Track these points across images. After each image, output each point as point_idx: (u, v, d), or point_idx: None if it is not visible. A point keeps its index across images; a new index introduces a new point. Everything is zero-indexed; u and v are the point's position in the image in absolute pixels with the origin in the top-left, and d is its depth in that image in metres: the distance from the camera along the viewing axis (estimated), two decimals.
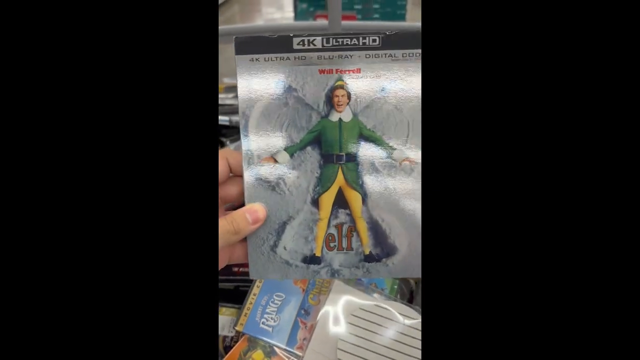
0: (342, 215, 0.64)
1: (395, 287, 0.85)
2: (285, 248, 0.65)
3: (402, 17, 3.64)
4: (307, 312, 0.83)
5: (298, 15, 3.75)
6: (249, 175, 0.63)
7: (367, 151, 0.62)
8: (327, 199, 0.64)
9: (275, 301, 0.83)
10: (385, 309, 0.79)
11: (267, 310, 0.82)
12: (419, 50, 0.60)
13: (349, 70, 0.62)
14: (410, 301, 0.87)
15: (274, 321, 0.82)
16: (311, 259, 0.65)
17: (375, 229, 0.64)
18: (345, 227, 0.64)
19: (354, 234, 0.63)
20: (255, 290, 0.83)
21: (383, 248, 0.64)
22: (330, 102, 0.62)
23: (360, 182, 0.63)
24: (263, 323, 0.81)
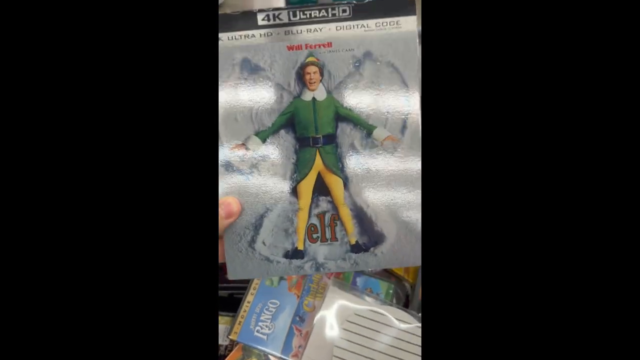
0: (324, 203, 0.60)
1: (391, 291, 0.84)
2: (264, 243, 0.61)
3: None
4: (302, 319, 0.81)
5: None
6: (218, 166, 0.58)
7: (345, 131, 0.59)
8: (306, 186, 0.60)
9: (270, 308, 0.81)
10: (381, 314, 0.77)
11: (262, 317, 0.80)
12: (395, 19, 0.54)
13: (319, 45, 0.58)
14: (406, 305, 0.84)
15: (269, 329, 0.80)
16: (293, 254, 0.61)
17: (360, 216, 0.60)
18: (327, 216, 0.60)
19: (338, 222, 0.60)
20: (249, 297, 0.84)
21: (370, 236, 0.59)
22: (302, 80, 0.58)
23: (341, 166, 0.59)
24: (257, 331, 0.79)
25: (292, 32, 0.61)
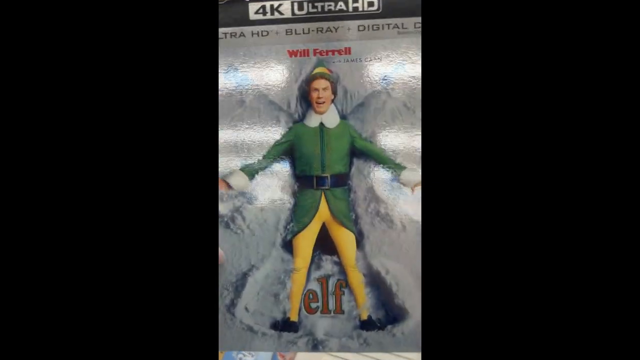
0: (328, 265, 0.50)
1: None
2: (247, 309, 0.50)
3: None
4: None
5: None
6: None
7: (362, 171, 0.49)
8: (306, 240, 0.50)
9: None
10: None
11: None
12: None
13: (333, 51, 0.46)
14: None
15: (252, 356, 0.69)
16: (284, 325, 0.50)
17: (377, 284, 0.49)
18: (332, 281, 0.50)
19: (346, 290, 0.50)
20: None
21: (388, 311, 0.50)
22: (307, 98, 0.48)
23: (354, 217, 0.49)
24: (240, 359, 0.67)
25: (295, 31, 0.47)
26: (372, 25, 0.46)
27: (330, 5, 0.45)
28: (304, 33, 0.46)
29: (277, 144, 0.48)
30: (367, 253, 0.49)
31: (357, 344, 0.50)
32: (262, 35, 0.47)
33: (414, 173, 0.47)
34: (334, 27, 0.46)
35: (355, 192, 0.49)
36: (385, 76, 0.47)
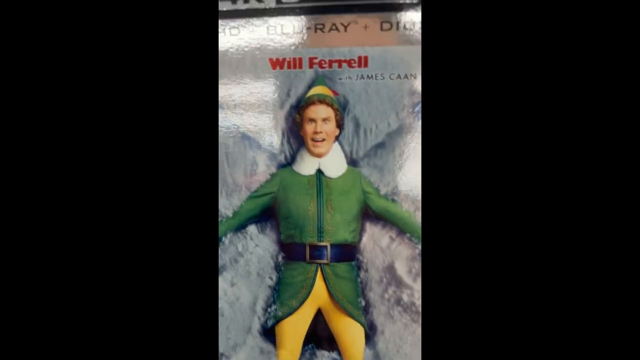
0: None
1: None
2: None
3: None
4: None
5: None
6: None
7: (379, 241, 0.37)
8: (293, 328, 0.38)
9: None
10: None
11: None
12: None
13: (340, 62, 0.33)
14: None
15: None
16: None
17: None
18: None
19: None
20: None
21: None
22: (299, 133, 0.36)
23: (363, 303, 0.37)
24: None
25: (283, 29, 0.32)
26: (405, 23, 0.29)
27: None
28: (294, 32, 0.31)
29: (254, 196, 0.37)
30: (381, 354, 0.38)
31: None
32: (231, 35, 0.31)
33: None
34: (342, 24, 0.29)
35: (367, 271, 0.37)
36: (417, 105, 0.31)
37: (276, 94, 0.32)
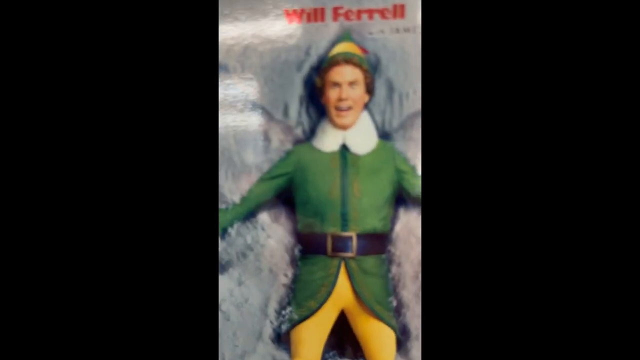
0: None
1: None
2: None
3: None
4: None
5: None
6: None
7: (415, 230, 0.31)
8: (312, 333, 0.35)
9: None
10: None
11: None
12: None
13: (371, 11, 0.27)
14: None
15: None
16: None
17: None
18: None
19: None
20: None
21: None
22: (320, 101, 0.30)
23: (395, 304, 0.33)
24: None
25: None
26: None
27: None
28: None
29: (266, 178, 0.33)
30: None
31: None
32: None
33: None
34: None
35: (401, 265, 0.33)
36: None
37: (293, 53, 0.28)
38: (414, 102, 0.29)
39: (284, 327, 0.35)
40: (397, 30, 0.28)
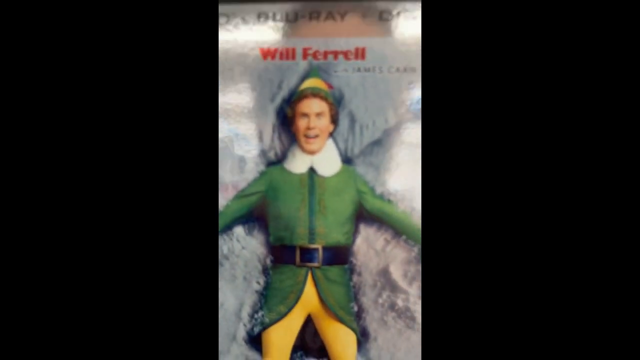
0: None
1: None
2: None
3: None
4: None
5: None
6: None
7: (373, 243, 0.35)
8: (281, 335, 0.38)
9: None
10: None
11: None
12: None
13: (336, 53, 0.31)
14: None
15: None
16: None
17: None
18: None
19: None
20: None
21: None
22: (290, 128, 0.34)
23: (355, 309, 0.36)
24: None
25: (274, 15, 0.32)
26: (406, 13, 0.27)
27: None
28: (287, 20, 0.29)
29: (241, 195, 0.35)
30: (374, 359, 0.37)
31: None
32: (220, 24, 0.29)
33: None
34: (339, 13, 0.28)
35: (361, 275, 0.36)
36: (417, 101, 0.30)
37: (267, 87, 0.31)
38: (374, 132, 0.32)
39: (256, 330, 0.37)
40: (359, 70, 0.31)
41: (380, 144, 0.32)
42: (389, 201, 0.33)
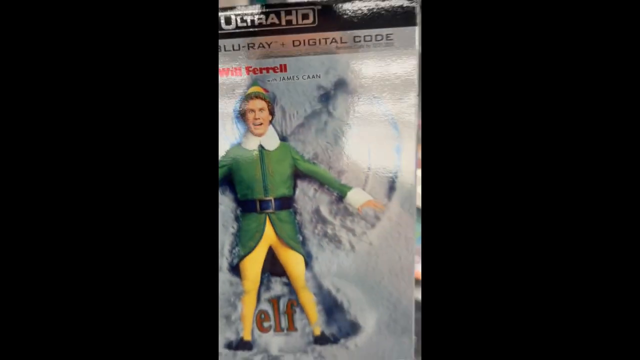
0: (278, 286, 0.49)
1: None
2: None
3: None
4: None
5: None
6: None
7: (307, 193, 0.47)
8: (253, 263, 0.48)
9: None
10: None
11: None
12: (384, 31, 0.40)
13: (268, 69, 0.43)
14: None
15: None
16: (238, 344, 0.50)
17: (328, 303, 0.48)
18: (283, 302, 0.49)
19: (297, 309, 0.49)
20: None
21: (341, 326, 0.49)
22: (244, 120, 0.45)
23: (301, 239, 0.47)
24: None
25: (224, 47, 0.40)
26: (308, 40, 0.41)
27: (260, 18, 0.40)
28: (234, 50, 0.41)
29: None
30: (317, 274, 0.48)
31: (312, 357, 0.50)
32: None
33: (360, 193, 0.45)
34: (266, 43, 0.41)
35: (301, 215, 0.46)
36: (326, 94, 0.43)
37: (225, 94, 0.40)
38: (298, 118, 0.42)
39: (234, 261, 0.46)
40: (283, 78, 0.41)
41: (303, 125, 0.42)
42: (314, 163, 0.43)
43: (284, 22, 0.41)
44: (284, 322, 0.50)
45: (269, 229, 0.47)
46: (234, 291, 0.49)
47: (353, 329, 0.49)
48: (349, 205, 0.46)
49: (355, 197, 0.45)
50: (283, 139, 0.44)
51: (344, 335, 0.49)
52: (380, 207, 0.45)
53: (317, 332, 0.50)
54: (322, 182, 0.45)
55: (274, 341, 0.50)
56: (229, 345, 0.50)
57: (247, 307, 0.49)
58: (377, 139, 0.43)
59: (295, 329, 0.50)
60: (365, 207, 0.45)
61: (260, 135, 0.44)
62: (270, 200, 0.46)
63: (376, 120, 0.43)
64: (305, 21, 0.40)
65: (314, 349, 0.50)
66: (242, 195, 0.46)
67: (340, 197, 0.45)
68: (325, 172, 0.45)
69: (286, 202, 0.46)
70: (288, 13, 0.40)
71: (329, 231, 0.47)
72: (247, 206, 0.46)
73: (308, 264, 0.48)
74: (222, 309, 0.49)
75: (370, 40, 0.41)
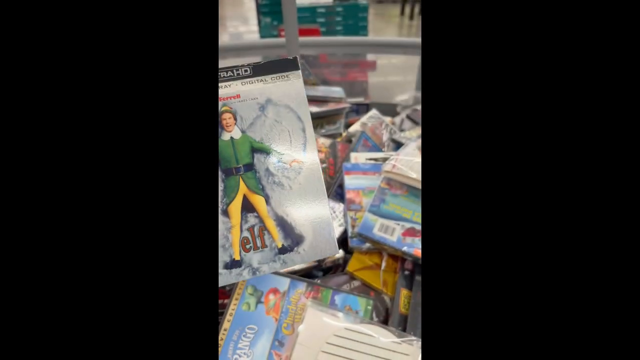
0: (252, 219, 0.65)
1: (370, 307, 0.78)
2: None
3: (364, 30, 3.27)
4: (281, 343, 0.74)
5: (262, 29, 3.41)
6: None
7: (260, 160, 0.65)
8: (235, 207, 0.65)
9: (248, 335, 0.74)
10: (360, 332, 0.72)
11: (240, 345, 0.73)
12: (284, 74, 0.67)
13: (230, 97, 0.67)
14: (385, 321, 0.81)
15: (247, 356, 0.72)
16: (232, 264, 0.64)
17: (283, 225, 0.64)
18: (256, 228, 0.64)
19: (265, 232, 0.64)
20: (225, 324, 0.76)
21: (292, 239, 0.64)
22: (221, 125, 0.66)
23: (261, 187, 0.65)
24: (236, 359, 0.71)
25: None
26: (249, 81, 0.80)
27: (224, 73, 0.79)
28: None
29: None
30: (273, 207, 0.64)
31: (279, 264, 0.63)
32: None
33: (289, 155, 0.65)
34: (228, 85, 0.77)
35: (259, 173, 0.64)
36: (262, 107, 0.68)
37: None
38: (250, 120, 0.60)
39: (224, 207, 0.62)
40: (239, 101, 0.65)
41: (253, 124, 0.65)
42: (261, 143, 0.63)
43: (236, 74, 0.80)
44: (258, 242, 0.62)
45: (242, 184, 0.62)
46: (226, 227, 0.62)
47: (300, 239, 0.64)
48: (284, 163, 0.64)
49: (287, 158, 0.65)
50: (243, 132, 0.63)
51: (295, 245, 0.64)
52: (300, 162, 0.64)
53: (279, 245, 0.62)
54: (267, 152, 0.63)
55: (254, 257, 0.62)
56: (226, 266, 0.62)
57: (235, 236, 0.62)
58: (291, 125, 0.65)
59: (266, 246, 0.63)
60: (294, 163, 0.65)
61: (230, 132, 0.62)
62: (240, 166, 0.62)
63: (290, 116, 0.65)
64: (246, 73, 0.81)
65: (279, 258, 0.63)
66: (224, 166, 0.61)
67: (279, 159, 0.64)
68: (268, 147, 0.63)
69: (249, 167, 0.62)
70: (237, 69, 0.81)
71: (276, 180, 0.63)
72: (228, 172, 0.62)
73: (268, 201, 0.63)
74: (220, 241, 0.62)
75: (279, 79, 0.81)
